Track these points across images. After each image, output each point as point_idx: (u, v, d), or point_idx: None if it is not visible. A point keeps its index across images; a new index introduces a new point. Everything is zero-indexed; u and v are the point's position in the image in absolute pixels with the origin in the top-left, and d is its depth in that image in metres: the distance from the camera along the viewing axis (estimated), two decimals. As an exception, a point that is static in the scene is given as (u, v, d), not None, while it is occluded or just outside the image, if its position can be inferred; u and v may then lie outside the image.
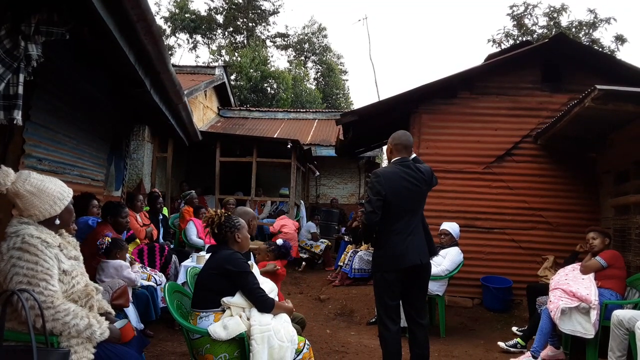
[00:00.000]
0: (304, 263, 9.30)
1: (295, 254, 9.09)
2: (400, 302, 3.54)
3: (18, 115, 2.49)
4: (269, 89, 23.23)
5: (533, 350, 4.17)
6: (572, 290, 4.16)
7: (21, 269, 2.13)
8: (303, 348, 2.88)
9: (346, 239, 9.42)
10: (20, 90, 2.48)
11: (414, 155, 3.75)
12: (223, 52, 25.23)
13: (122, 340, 2.41)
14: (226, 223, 3.00)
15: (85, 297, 2.36)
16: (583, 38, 17.67)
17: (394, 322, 3.39)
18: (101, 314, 2.41)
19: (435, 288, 5.16)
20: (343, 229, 10.86)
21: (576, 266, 4.54)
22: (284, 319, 2.87)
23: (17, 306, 2.10)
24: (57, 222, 2.37)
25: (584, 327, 4.02)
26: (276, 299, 3.07)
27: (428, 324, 3.62)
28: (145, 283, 4.25)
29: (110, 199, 5.95)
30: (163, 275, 4.73)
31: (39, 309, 2.09)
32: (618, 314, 3.80)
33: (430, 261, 3.65)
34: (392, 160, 3.59)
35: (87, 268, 2.59)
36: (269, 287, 3.09)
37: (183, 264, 5.11)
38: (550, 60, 6.21)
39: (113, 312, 2.64)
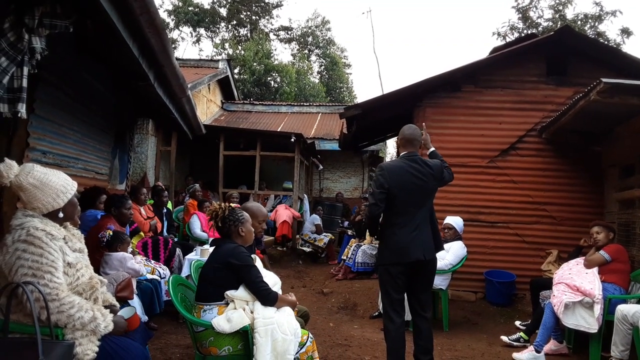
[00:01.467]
0: (279, 248, 9.44)
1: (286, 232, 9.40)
2: (406, 295, 3.55)
3: (22, 109, 2.49)
4: (272, 82, 23.20)
5: (536, 344, 4.17)
6: (575, 284, 4.15)
7: (26, 261, 2.14)
8: (306, 341, 2.89)
9: (349, 233, 9.44)
10: (25, 83, 2.47)
11: (432, 149, 3.78)
12: (226, 45, 25.19)
13: (128, 328, 2.43)
14: (230, 216, 3.00)
15: (90, 290, 2.37)
16: (589, 31, 17.53)
17: (398, 314, 3.41)
18: (106, 307, 2.42)
19: (438, 282, 5.16)
20: (346, 222, 10.87)
21: (580, 260, 4.53)
22: (287, 312, 2.88)
23: (22, 298, 2.11)
24: (61, 215, 2.37)
25: (588, 322, 4.02)
26: (280, 292, 3.08)
27: (432, 318, 3.61)
28: (150, 276, 4.27)
29: (115, 192, 5.97)
30: (167, 269, 4.75)
31: (44, 301, 2.10)
32: (622, 308, 3.80)
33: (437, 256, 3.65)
34: (400, 154, 3.61)
35: (91, 261, 2.60)
36: (272, 280, 3.10)
37: (187, 257, 5.13)
38: (555, 53, 6.16)
39: (117, 305, 2.65)
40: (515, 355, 4.23)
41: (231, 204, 3.16)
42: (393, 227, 3.41)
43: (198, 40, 26.44)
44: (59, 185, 2.35)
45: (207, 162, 11.67)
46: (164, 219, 6.32)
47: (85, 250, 2.54)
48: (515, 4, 18.47)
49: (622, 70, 5.71)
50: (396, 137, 3.68)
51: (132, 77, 4.01)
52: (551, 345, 4.37)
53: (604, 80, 4.00)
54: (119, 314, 2.48)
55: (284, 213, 9.56)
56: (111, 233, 3.96)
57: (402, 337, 3.39)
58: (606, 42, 15.04)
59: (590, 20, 17.85)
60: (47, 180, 2.32)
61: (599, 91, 4.07)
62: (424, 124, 4.27)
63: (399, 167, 3.44)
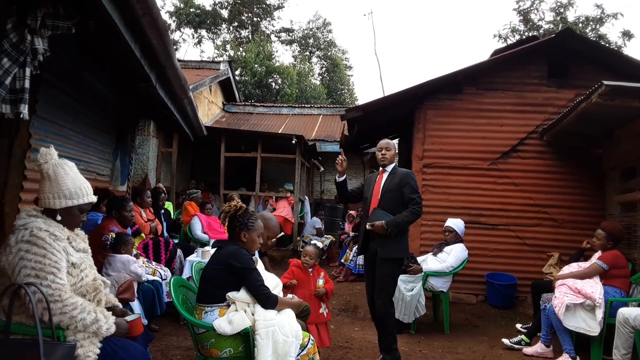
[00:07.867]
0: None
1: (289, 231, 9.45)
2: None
3: (24, 109, 2.49)
4: (273, 84, 23.20)
5: (543, 340, 4.30)
6: (577, 287, 4.15)
7: (29, 262, 2.14)
8: (307, 343, 2.88)
9: (351, 234, 9.41)
10: (27, 84, 2.47)
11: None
12: (228, 47, 25.21)
13: (130, 334, 2.42)
14: (240, 218, 2.98)
15: (94, 292, 2.36)
16: (590, 33, 17.53)
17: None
18: (108, 308, 2.42)
19: (439, 284, 5.16)
20: (347, 224, 10.84)
21: (581, 264, 4.54)
22: (288, 314, 2.87)
23: (24, 300, 2.10)
24: (59, 218, 2.35)
25: (588, 324, 4.02)
26: (280, 294, 3.07)
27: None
28: (151, 278, 4.26)
29: (117, 193, 5.97)
30: (168, 270, 4.74)
31: (46, 302, 2.09)
32: (624, 312, 3.79)
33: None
34: (395, 164, 4.20)
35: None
36: (273, 282, 3.09)
37: (188, 258, 5.13)
38: (556, 55, 6.17)
39: (120, 305, 2.65)
40: (525, 349, 4.39)
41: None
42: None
43: (199, 42, 26.46)
44: (67, 189, 2.34)
45: (208, 163, 11.66)
46: (162, 220, 6.31)
47: (89, 250, 2.54)
48: (517, 7, 18.50)
49: (623, 73, 5.72)
50: (397, 145, 4.01)
51: (134, 78, 4.01)
52: (537, 348, 4.37)
53: (605, 82, 4.00)
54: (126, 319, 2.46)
55: (286, 208, 9.60)
56: (114, 235, 3.96)
57: None
58: (607, 45, 15.04)
59: (591, 23, 17.85)
60: (61, 178, 2.33)
61: (601, 94, 4.07)
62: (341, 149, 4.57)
63: None
